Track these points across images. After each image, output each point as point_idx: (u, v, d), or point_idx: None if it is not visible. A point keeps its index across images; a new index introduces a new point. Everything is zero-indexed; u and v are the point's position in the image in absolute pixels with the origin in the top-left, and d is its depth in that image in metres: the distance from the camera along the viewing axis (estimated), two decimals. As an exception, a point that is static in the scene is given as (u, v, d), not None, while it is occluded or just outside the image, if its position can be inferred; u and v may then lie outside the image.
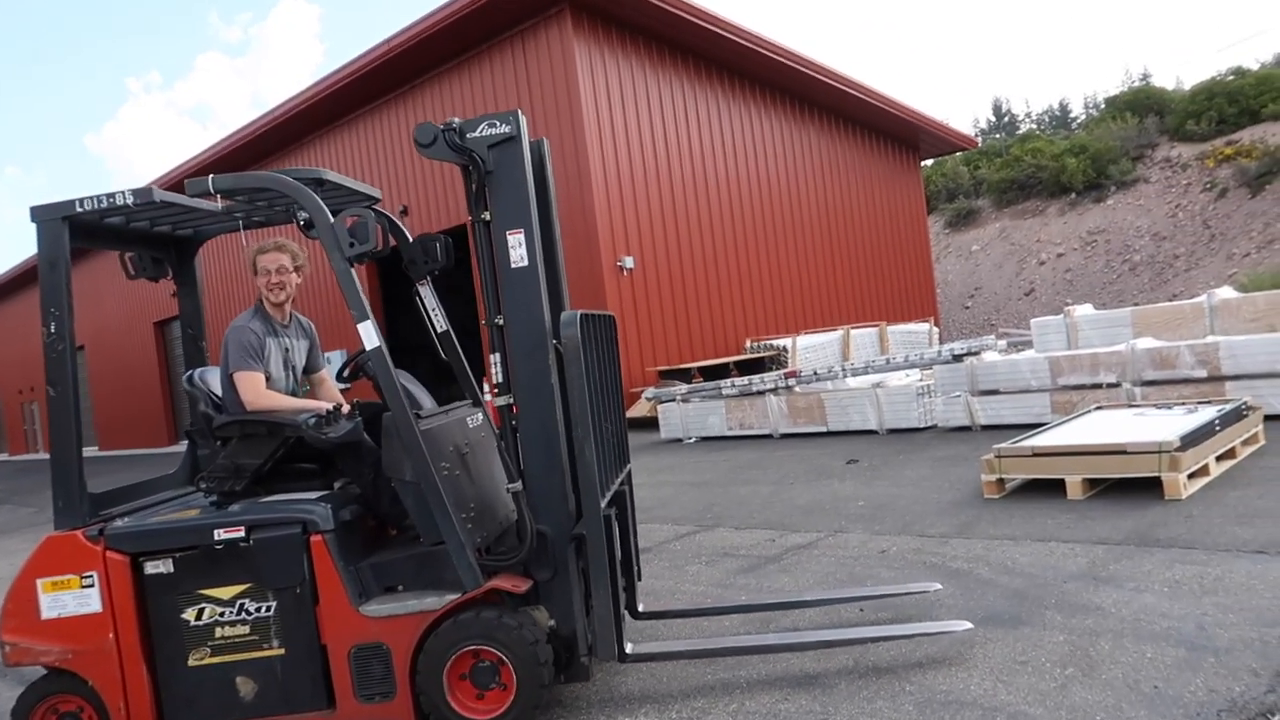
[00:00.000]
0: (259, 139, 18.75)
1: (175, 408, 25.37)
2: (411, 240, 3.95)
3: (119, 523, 3.45)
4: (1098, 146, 27.83)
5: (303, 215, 3.36)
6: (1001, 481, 6.17)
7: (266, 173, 3.37)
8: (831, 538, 5.70)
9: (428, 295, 3.99)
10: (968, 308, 26.76)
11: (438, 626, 3.26)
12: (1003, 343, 12.73)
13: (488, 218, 3.42)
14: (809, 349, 15.17)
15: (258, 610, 3.31)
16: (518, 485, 3.34)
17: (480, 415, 3.92)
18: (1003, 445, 6.19)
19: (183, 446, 4.28)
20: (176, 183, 15.79)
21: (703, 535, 6.27)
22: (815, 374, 10.90)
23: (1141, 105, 29.53)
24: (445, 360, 4.10)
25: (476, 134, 3.38)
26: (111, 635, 3.33)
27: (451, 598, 3.25)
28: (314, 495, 3.46)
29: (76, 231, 3.51)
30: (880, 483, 7.24)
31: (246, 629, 3.32)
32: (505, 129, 3.38)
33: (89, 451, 28.33)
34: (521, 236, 3.38)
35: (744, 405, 11.18)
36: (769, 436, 10.82)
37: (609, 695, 3.60)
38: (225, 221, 4.03)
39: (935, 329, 18.74)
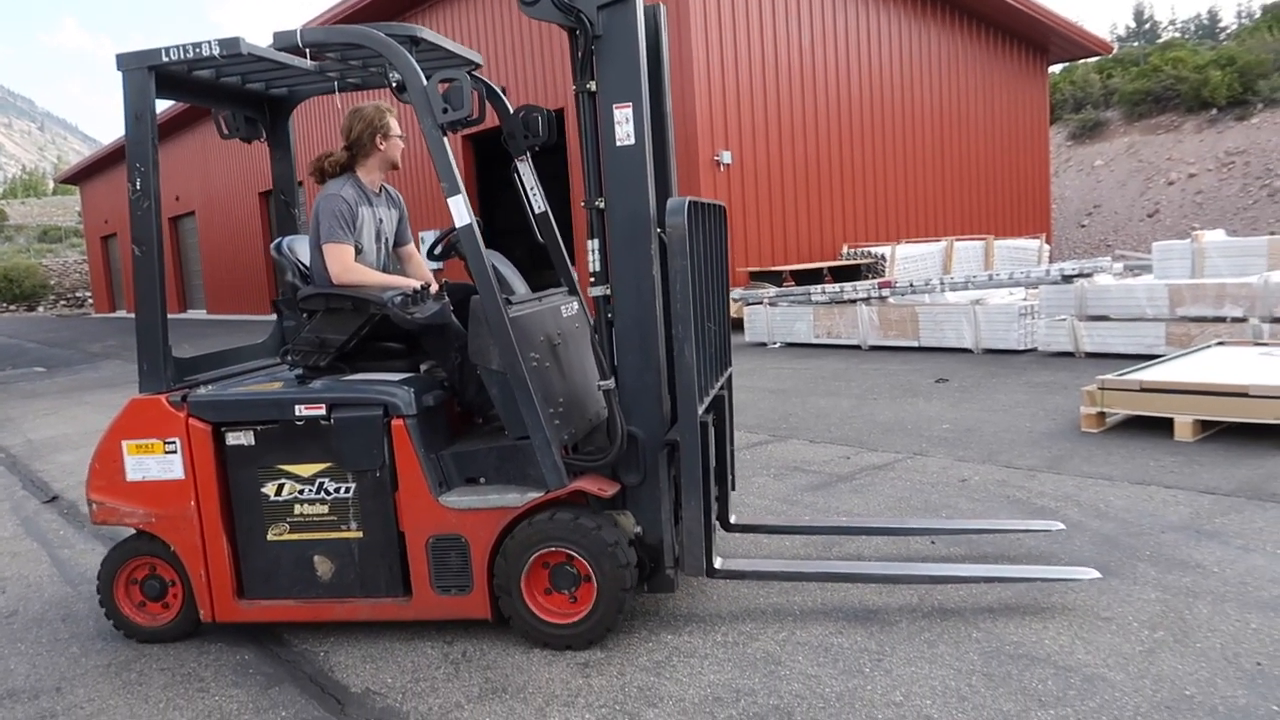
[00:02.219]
0: (373, 4, 18.31)
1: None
2: (512, 112, 3.67)
3: (202, 390, 3.37)
4: (1247, 59, 25.49)
5: (395, 76, 3.10)
6: (1102, 415, 5.74)
7: (357, 27, 3.10)
8: (910, 460, 5.41)
9: (526, 173, 3.72)
10: (1084, 226, 25.30)
11: (518, 524, 3.11)
12: (1119, 265, 11.93)
13: (593, 88, 3.11)
14: (909, 259, 14.55)
15: (337, 491, 3.22)
16: (610, 383, 3.12)
17: (575, 304, 3.70)
18: (1108, 376, 5.74)
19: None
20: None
21: (775, 446, 6.03)
22: (911, 285, 10.44)
23: (1304, 14, 26.89)
24: (541, 243, 3.86)
25: (587, -10, 3.04)
26: (193, 503, 3.29)
27: (534, 496, 3.09)
28: (398, 377, 3.31)
29: (165, 84, 3.33)
30: (969, 405, 6.86)
31: (325, 508, 3.23)
32: (618, -13, 3.03)
33: (198, 314, 29.50)
34: (629, 111, 3.07)
35: (833, 313, 10.79)
36: (857, 348, 10.46)
37: (654, 610, 3.41)
38: (319, 82, 3.81)
39: (1046, 246, 17.75)
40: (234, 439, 3.26)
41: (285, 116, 4.03)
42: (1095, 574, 3.22)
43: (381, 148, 3.56)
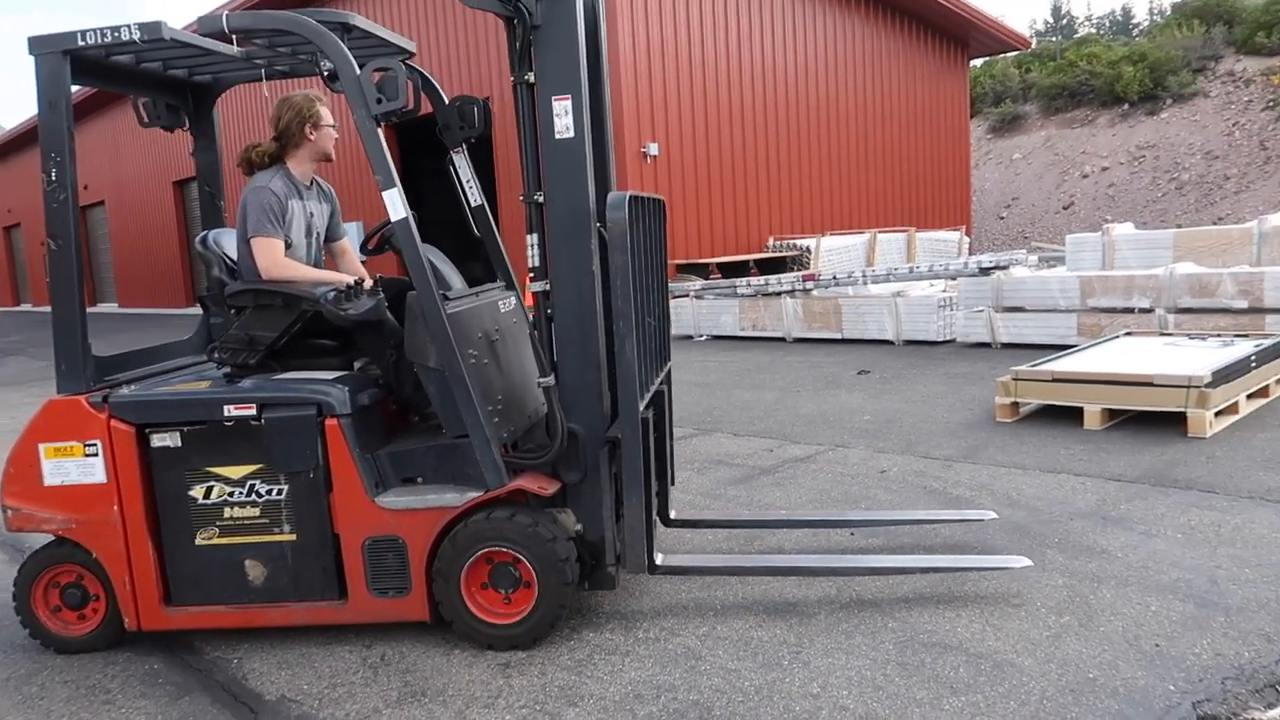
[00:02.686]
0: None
1: (194, 270, 25.12)
2: (447, 103, 3.60)
3: (125, 390, 3.24)
4: (1158, 55, 26.43)
5: (327, 65, 3.01)
6: (1016, 405, 5.93)
7: (286, 13, 3.00)
8: (831, 452, 5.50)
9: (462, 165, 3.66)
10: (1002, 218, 26.00)
11: (457, 524, 3.06)
12: (1034, 258, 12.28)
13: (531, 79, 3.07)
14: (834, 251, 14.76)
15: (268, 493, 3.13)
16: (549, 380, 3.09)
17: (513, 299, 3.65)
18: (1021, 367, 5.93)
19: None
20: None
21: (699, 440, 6.07)
22: (835, 278, 10.59)
23: (1210, 13, 27.84)
24: (478, 237, 3.80)
25: (525, -20, 2.99)
26: (116, 507, 3.17)
27: (473, 495, 3.04)
28: (331, 375, 3.23)
29: (81, 69, 3.18)
30: (890, 397, 7.02)
31: (256, 511, 3.14)
32: (558, -23, 2.98)
33: (109, 308, 28.40)
34: (568, 104, 3.03)
35: (758, 306, 10.89)
36: (782, 340, 10.57)
37: (576, 607, 3.38)
38: (245, 69, 3.69)
39: (966, 238, 18.20)
40: (159, 441, 3.15)
41: (209, 105, 3.89)
42: (1027, 562, 3.31)
43: (312, 138, 3.46)
